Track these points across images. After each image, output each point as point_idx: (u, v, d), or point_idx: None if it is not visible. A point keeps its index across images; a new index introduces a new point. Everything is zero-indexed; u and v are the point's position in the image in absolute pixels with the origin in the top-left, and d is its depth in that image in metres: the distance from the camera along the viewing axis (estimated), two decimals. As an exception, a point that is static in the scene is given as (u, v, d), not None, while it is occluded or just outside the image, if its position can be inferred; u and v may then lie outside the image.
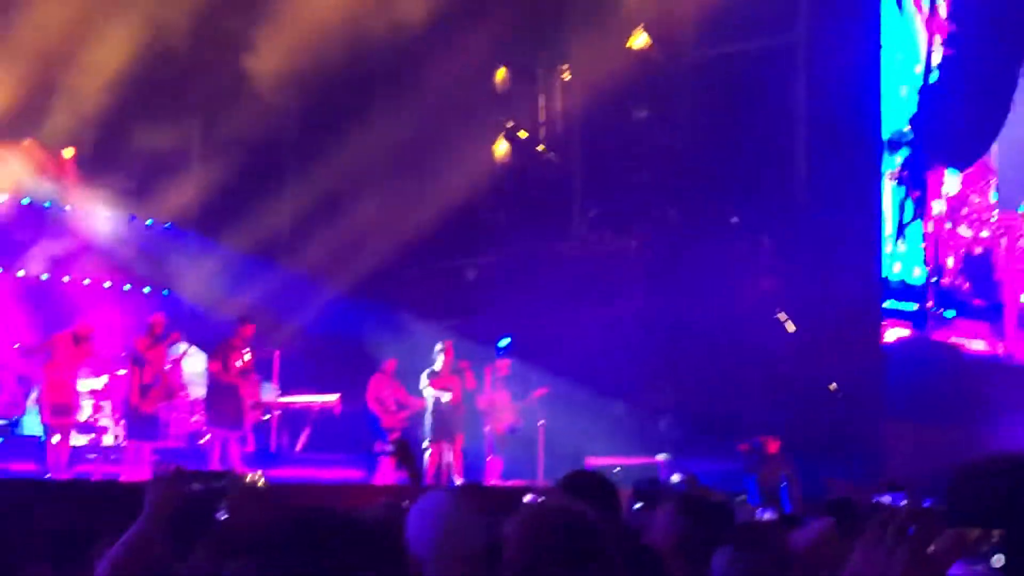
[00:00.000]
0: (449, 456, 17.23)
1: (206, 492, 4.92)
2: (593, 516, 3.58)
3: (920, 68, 20.59)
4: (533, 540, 3.45)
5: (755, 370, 18.43)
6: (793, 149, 19.27)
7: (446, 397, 17.14)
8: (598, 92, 19.69)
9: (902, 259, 20.67)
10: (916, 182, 20.67)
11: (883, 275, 19.77)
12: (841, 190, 19.07)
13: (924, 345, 20.30)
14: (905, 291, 20.56)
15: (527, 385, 18.50)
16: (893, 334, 19.96)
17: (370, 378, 17.71)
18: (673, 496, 5.64)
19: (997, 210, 22.03)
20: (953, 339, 20.97)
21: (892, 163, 20.46)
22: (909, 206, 20.69)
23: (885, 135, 20.12)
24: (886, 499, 8.64)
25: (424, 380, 17.23)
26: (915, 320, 20.61)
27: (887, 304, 19.90)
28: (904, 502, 8.57)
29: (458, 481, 16.63)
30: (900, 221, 20.50)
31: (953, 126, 20.48)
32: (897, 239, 20.48)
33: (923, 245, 21.11)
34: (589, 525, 3.49)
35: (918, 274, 20.95)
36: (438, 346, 17.38)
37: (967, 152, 21.26)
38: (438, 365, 17.26)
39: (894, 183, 20.51)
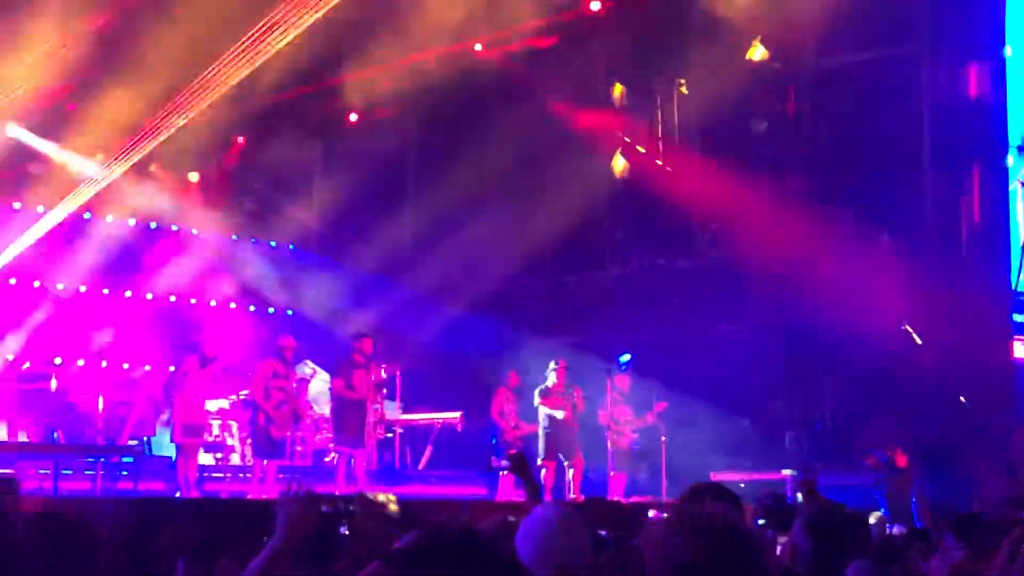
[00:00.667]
0: (569, 474, 17.21)
1: (335, 513, 4.99)
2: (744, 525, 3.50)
3: None
4: (683, 547, 3.36)
5: (881, 384, 18.15)
6: (919, 158, 18.91)
7: (559, 415, 17.12)
8: (716, 106, 19.56)
9: None
10: None
11: (1013, 287, 19.16)
12: (969, 199, 18.67)
13: None
14: None
15: (648, 401, 18.39)
16: (1022, 350, 19.34)
17: (495, 392, 17.76)
18: (802, 512, 5.54)
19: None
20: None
21: (1020, 168, 19.80)
22: None
23: (1014, 140, 19.58)
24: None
25: (537, 398, 17.25)
26: None
27: (1017, 318, 19.30)
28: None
29: (574, 498, 16.61)
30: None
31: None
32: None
33: None
34: (742, 533, 3.40)
35: None
36: (551, 364, 17.37)
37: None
38: (551, 382, 17.25)
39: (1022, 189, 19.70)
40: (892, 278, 18.40)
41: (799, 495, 10.95)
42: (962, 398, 18.08)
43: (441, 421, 19.86)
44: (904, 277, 18.51)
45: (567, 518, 4.18)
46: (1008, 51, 19.16)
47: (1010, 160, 19.42)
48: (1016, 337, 19.03)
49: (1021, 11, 19.45)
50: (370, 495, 6.41)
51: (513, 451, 16.43)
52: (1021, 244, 19.22)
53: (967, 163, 18.73)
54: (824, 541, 4.87)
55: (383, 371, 18.24)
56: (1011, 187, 19.40)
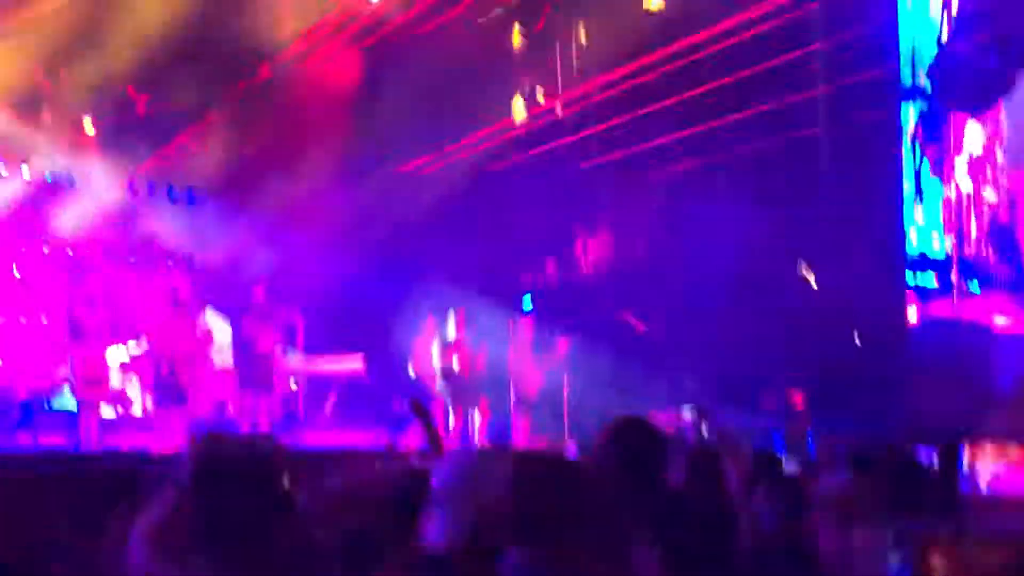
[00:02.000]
0: (477, 422, 17.30)
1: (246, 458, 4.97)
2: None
3: (937, 12, 19.89)
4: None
5: (777, 327, 18.44)
6: (813, 108, 19.15)
7: (456, 365, 17.19)
8: (614, 54, 19.63)
9: (920, 228, 19.60)
10: (934, 137, 19.68)
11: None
12: (861, 151, 18.85)
13: (951, 327, 19.40)
14: (924, 263, 19.54)
15: (549, 344, 18.53)
16: (915, 313, 19.37)
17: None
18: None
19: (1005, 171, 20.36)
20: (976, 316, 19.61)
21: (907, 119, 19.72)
22: (926, 166, 19.68)
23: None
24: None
25: (435, 348, 17.30)
26: (937, 296, 19.56)
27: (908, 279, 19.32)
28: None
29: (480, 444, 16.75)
30: (917, 184, 19.54)
31: (971, 71, 19.85)
32: (914, 204, 19.47)
33: (944, 210, 19.87)
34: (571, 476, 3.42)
35: (938, 244, 19.76)
36: (450, 313, 17.42)
37: (985, 95, 19.98)
38: (451, 332, 17.31)
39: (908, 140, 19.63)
40: (789, 212, 18.70)
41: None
42: (856, 338, 18.45)
43: (345, 370, 19.89)
44: (800, 211, 18.81)
45: (485, 461, 4.23)
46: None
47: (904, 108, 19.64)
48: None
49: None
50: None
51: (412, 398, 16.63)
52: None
53: (860, 112, 18.94)
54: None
55: (286, 318, 18.18)
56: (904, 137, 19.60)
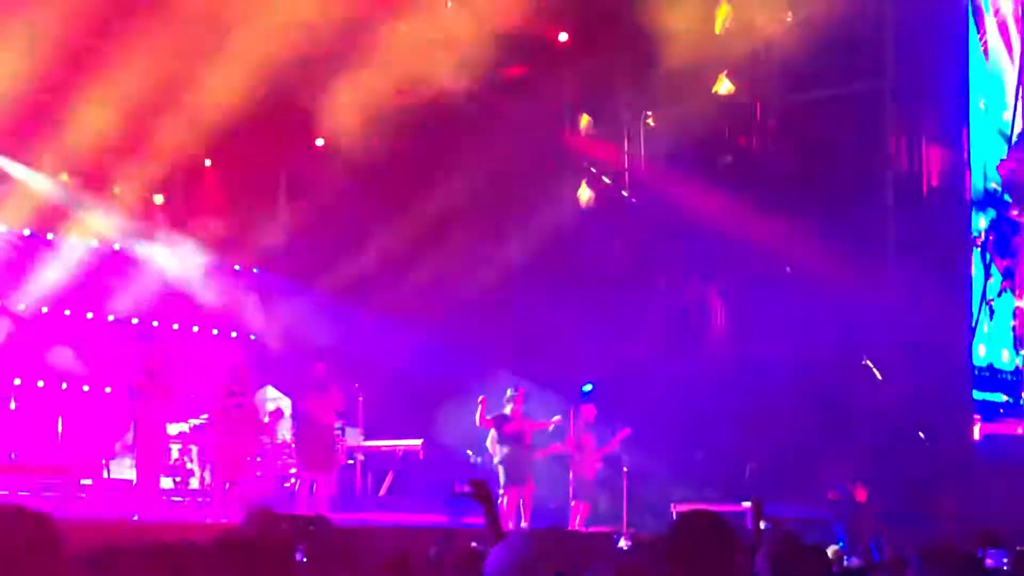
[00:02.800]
0: (520, 502, 17.15)
1: (295, 534, 4.97)
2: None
3: (1008, 115, 19.70)
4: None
5: (842, 417, 18.25)
6: (881, 201, 19.05)
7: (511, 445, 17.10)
8: (682, 138, 19.69)
9: (986, 340, 19.18)
10: (1004, 248, 19.26)
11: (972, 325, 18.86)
12: (928, 255, 18.61)
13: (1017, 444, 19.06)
14: (993, 380, 19.06)
15: (609, 431, 18.41)
16: (979, 431, 18.85)
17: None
18: (769, 540, 5.60)
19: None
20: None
21: (978, 227, 19.36)
22: (996, 276, 19.26)
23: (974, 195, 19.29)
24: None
25: (493, 427, 17.22)
26: (1004, 414, 19.09)
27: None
28: (1005, 559, 8.40)
29: (525, 527, 16.59)
30: (983, 295, 19.04)
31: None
32: (979, 317, 18.92)
33: (1013, 323, 19.47)
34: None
35: (1007, 358, 19.37)
36: (509, 392, 17.34)
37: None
38: (508, 410, 17.22)
39: (976, 250, 19.23)
40: (855, 312, 18.52)
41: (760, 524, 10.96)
42: (921, 433, 18.21)
43: (403, 448, 19.85)
44: (867, 312, 18.63)
45: (539, 546, 4.17)
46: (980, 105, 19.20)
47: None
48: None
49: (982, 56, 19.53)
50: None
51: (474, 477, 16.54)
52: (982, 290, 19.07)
53: (929, 213, 18.78)
54: (785, 572, 4.94)
55: (347, 396, 18.19)
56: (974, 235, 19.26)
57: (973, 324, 18.89)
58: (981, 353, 19.23)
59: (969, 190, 19.31)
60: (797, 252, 19.00)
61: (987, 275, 19.27)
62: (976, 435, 18.89)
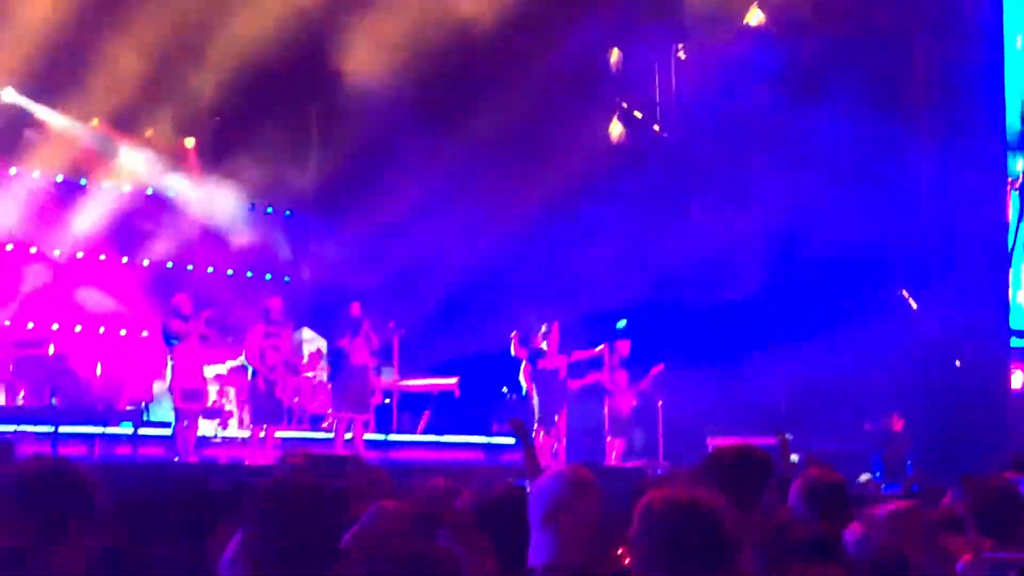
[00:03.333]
0: (555, 437, 17.18)
1: (330, 475, 5.00)
2: (727, 511, 3.54)
3: None
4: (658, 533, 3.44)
5: (879, 355, 18.22)
6: (917, 133, 18.87)
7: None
8: (714, 71, 19.53)
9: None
10: None
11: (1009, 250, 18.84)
12: (965, 196, 18.44)
13: None
14: None
15: (644, 367, 18.43)
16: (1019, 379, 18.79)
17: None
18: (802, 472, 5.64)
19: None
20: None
21: (1015, 169, 19.14)
22: None
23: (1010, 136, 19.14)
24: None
25: (526, 360, 17.25)
26: None
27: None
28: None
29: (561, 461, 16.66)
30: (1015, 239, 18.87)
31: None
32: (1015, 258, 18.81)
33: None
34: (719, 522, 3.46)
35: None
36: (543, 327, 17.32)
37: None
38: (543, 345, 17.22)
39: (1015, 192, 19.00)
40: (891, 245, 18.44)
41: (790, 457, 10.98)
42: (957, 362, 18.16)
43: (439, 386, 19.93)
44: (903, 246, 18.55)
45: (583, 483, 4.20)
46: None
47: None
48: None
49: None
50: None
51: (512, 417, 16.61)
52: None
53: (964, 156, 18.57)
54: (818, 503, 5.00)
55: (382, 335, 18.24)
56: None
57: (1010, 265, 18.76)
58: (1020, 300, 19.11)
59: (1005, 131, 19.12)
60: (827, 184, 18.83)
61: (1020, 219, 19.02)
62: (1017, 383, 18.80)
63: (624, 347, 18.12)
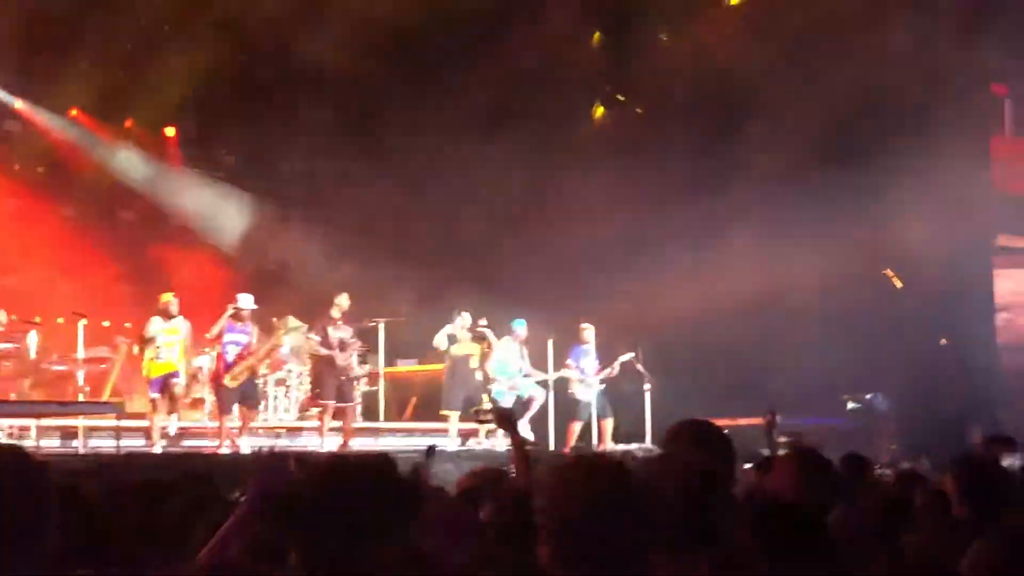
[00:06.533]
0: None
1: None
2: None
3: None
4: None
5: (863, 327, 18.21)
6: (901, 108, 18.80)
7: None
8: (696, 54, 19.39)
9: None
10: None
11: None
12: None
13: None
14: None
15: (631, 350, 18.43)
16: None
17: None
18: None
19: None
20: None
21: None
22: None
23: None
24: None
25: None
26: None
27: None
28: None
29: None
30: None
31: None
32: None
33: None
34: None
35: None
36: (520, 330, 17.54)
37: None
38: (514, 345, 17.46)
39: None
40: (875, 223, 18.38)
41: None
42: (943, 340, 18.16)
43: (425, 373, 19.88)
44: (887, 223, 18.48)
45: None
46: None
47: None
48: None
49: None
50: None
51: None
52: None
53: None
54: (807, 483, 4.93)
55: (363, 324, 18.19)
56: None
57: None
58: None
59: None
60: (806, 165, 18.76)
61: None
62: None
63: (588, 334, 18.06)
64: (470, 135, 19.37)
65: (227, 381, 15.41)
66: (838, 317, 18.32)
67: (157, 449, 14.94)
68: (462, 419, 17.15)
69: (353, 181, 20.39)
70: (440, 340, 17.35)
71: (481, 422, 15.70)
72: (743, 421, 16.41)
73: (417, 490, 3.57)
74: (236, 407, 15.55)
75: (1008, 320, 18.92)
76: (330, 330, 16.23)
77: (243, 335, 15.66)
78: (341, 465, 3.54)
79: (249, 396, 15.80)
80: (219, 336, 15.58)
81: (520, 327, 17.64)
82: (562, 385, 18.03)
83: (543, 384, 17.84)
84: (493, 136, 19.22)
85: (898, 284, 18.59)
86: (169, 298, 15.82)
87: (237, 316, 15.69)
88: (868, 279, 18.70)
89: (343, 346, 16.31)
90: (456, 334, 17.34)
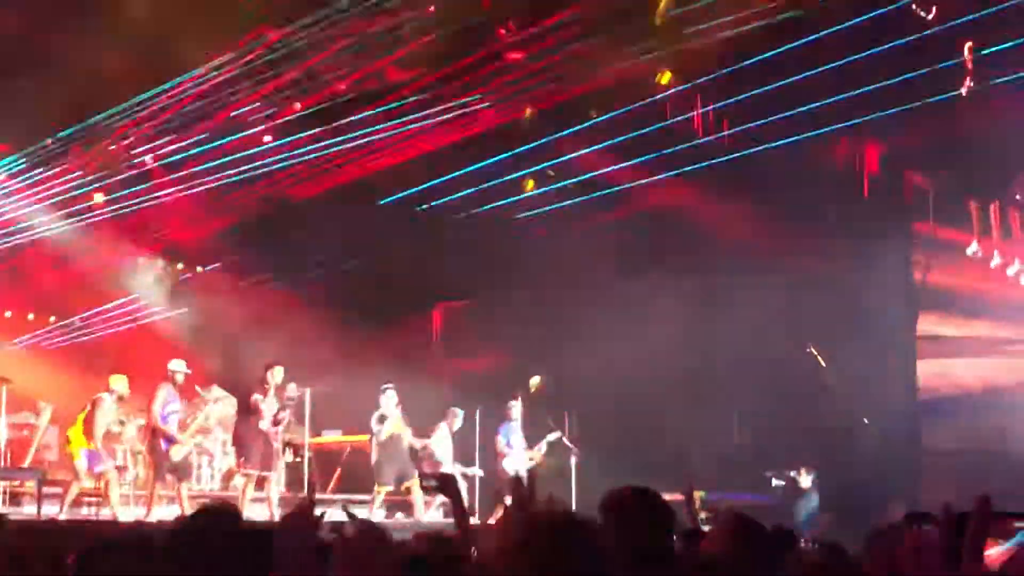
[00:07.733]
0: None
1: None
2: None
3: None
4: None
5: (787, 404, 18.36)
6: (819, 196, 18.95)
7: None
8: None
9: None
10: None
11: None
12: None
13: None
14: None
15: (558, 421, 18.53)
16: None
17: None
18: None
19: None
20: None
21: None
22: None
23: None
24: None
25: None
26: None
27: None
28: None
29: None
30: None
31: None
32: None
33: None
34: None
35: None
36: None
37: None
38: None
39: None
40: (802, 297, 18.54)
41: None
42: (865, 420, 18.36)
43: (350, 444, 19.79)
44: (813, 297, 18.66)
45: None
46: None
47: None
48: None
49: None
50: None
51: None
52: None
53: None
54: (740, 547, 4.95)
55: (292, 394, 18.09)
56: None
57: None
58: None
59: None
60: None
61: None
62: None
63: (517, 410, 18.23)
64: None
65: (173, 453, 15.37)
66: (762, 393, 18.45)
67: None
68: (390, 494, 17.21)
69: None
70: (375, 427, 17.33)
71: (428, 491, 15.87)
72: (667, 496, 16.48)
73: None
74: (168, 476, 15.47)
75: (928, 398, 19.14)
76: (260, 398, 16.16)
77: (178, 402, 15.69)
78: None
79: (183, 466, 15.74)
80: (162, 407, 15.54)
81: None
82: (489, 459, 18.16)
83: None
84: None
85: (822, 362, 18.78)
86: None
87: (174, 383, 15.67)
88: (793, 356, 18.85)
89: (276, 420, 16.26)
90: (385, 413, 17.31)
